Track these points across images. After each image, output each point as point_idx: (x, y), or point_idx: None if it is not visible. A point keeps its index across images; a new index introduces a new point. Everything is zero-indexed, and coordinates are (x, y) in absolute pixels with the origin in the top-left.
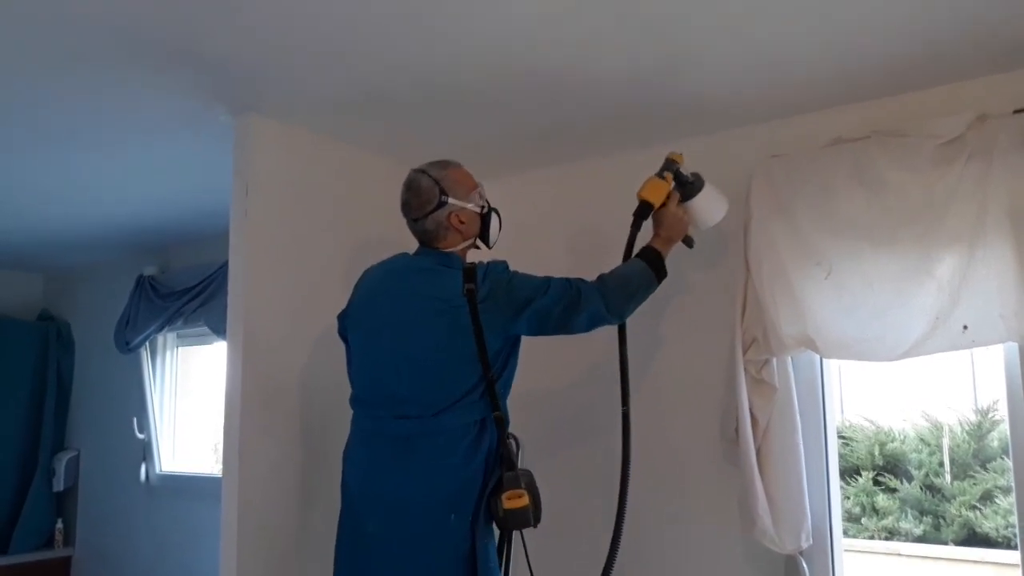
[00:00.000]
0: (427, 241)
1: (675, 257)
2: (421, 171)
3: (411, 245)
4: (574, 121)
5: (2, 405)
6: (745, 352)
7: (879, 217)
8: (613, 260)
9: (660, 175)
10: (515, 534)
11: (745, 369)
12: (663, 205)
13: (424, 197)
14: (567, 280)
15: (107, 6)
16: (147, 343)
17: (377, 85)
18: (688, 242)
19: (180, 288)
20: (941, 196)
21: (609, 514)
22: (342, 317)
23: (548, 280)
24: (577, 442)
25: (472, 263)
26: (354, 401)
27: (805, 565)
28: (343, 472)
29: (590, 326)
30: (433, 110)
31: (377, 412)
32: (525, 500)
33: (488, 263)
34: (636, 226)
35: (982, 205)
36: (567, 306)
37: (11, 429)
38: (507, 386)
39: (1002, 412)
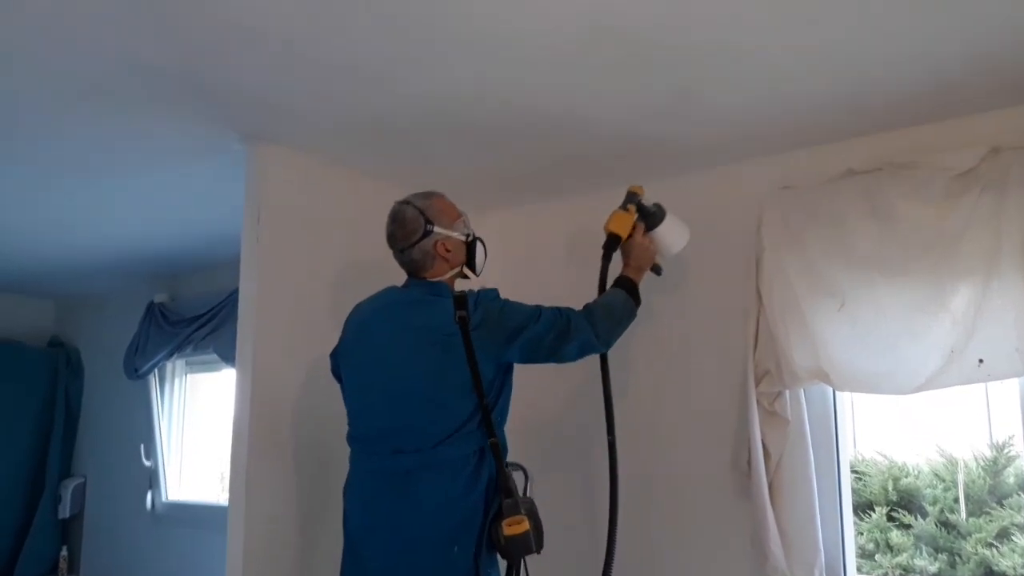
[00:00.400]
0: (415, 271)
1: (689, 287)
2: (405, 202)
3: None
4: (580, 154)
5: (10, 430)
6: (758, 384)
7: (892, 249)
8: None
9: (624, 207)
10: (521, 563)
11: (758, 401)
12: (630, 236)
13: (410, 227)
14: (557, 309)
15: (120, 38)
16: (156, 370)
17: (387, 115)
18: (656, 270)
19: (190, 315)
20: (954, 228)
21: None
22: (334, 355)
23: (539, 308)
24: (578, 468)
25: (462, 291)
26: (351, 438)
27: None
28: (344, 509)
29: (580, 354)
30: (441, 141)
31: (374, 448)
32: (525, 526)
33: (479, 291)
34: (607, 258)
35: (996, 237)
36: (558, 334)
37: (18, 454)
38: (503, 414)
39: (1018, 447)
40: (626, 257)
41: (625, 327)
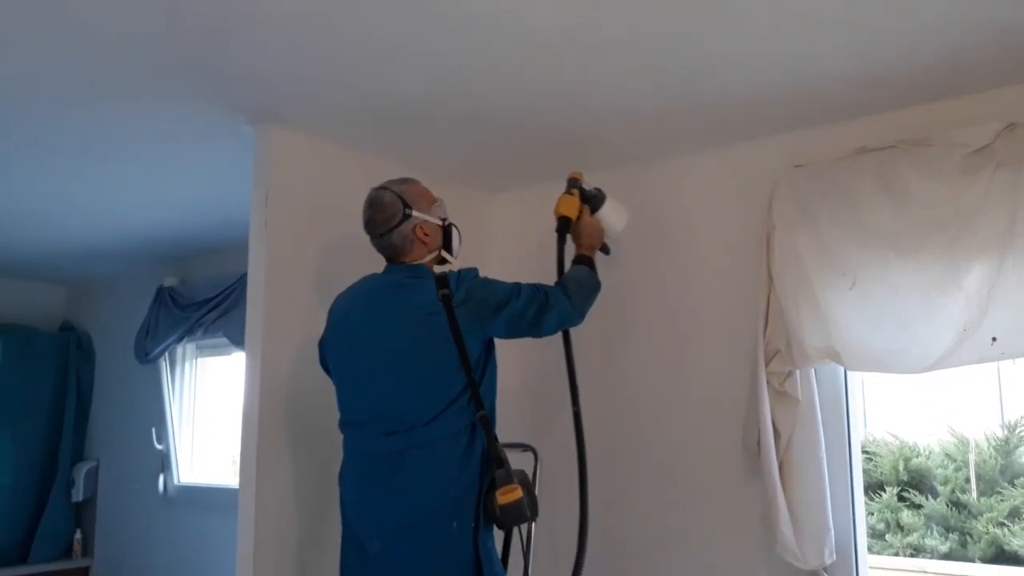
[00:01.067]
0: (394, 256)
1: (699, 265)
2: (382, 188)
3: None
4: (591, 134)
5: (23, 415)
6: (768, 364)
7: (905, 227)
8: (630, 273)
9: (568, 192)
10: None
11: (768, 381)
12: (578, 218)
13: (388, 211)
14: (534, 285)
15: (129, 21)
16: (166, 354)
17: (396, 98)
18: (605, 250)
19: (200, 299)
20: (969, 205)
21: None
22: (321, 346)
23: (519, 284)
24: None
25: (444, 271)
26: (343, 424)
27: None
28: (340, 495)
29: (558, 327)
30: (451, 122)
31: (367, 431)
32: (519, 493)
33: (460, 270)
34: (562, 240)
35: (1012, 214)
36: (539, 308)
37: (32, 438)
38: (492, 389)
39: None
40: (577, 238)
41: (594, 299)
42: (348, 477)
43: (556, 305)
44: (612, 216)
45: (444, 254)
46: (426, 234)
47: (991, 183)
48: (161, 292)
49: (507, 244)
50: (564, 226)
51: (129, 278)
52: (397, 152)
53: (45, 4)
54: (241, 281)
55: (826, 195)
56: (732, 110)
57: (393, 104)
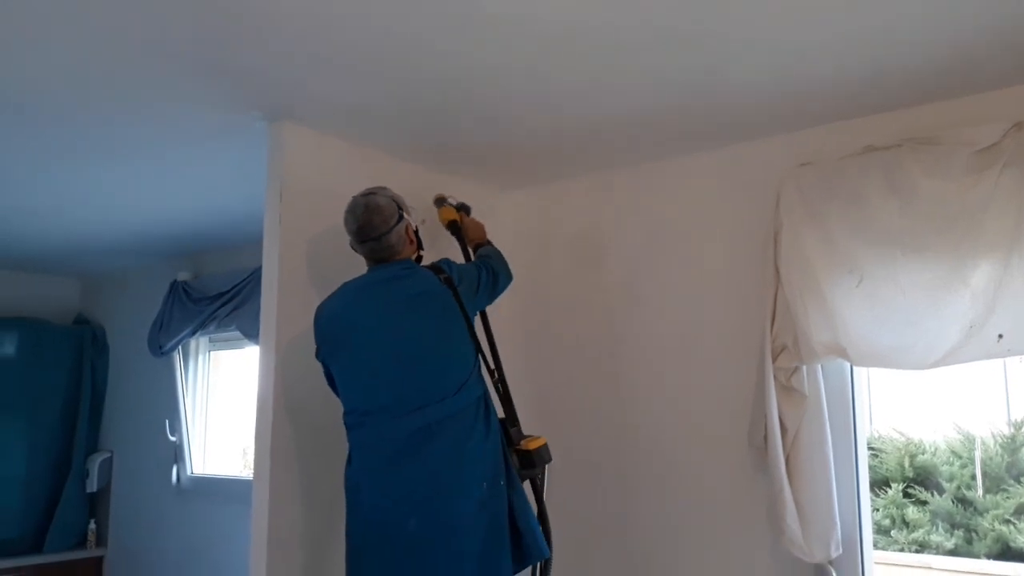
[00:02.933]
0: (389, 256)
1: (707, 262)
2: (371, 193)
3: (435, 254)
4: (599, 133)
5: (38, 407)
6: (775, 360)
7: (912, 224)
8: (637, 271)
9: (440, 207)
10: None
11: (775, 377)
12: (460, 220)
13: (386, 213)
14: (476, 263)
15: (142, 19)
16: (180, 347)
17: (408, 94)
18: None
19: (213, 293)
20: (976, 204)
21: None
22: (321, 357)
23: (474, 264)
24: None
25: (432, 262)
26: (361, 414)
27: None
28: (354, 487)
29: (505, 286)
30: (462, 119)
31: (393, 413)
32: (543, 439)
33: (440, 260)
34: (459, 238)
35: (1019, 213)
36: (494, 277)
37: (47, 431)
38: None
39: None
40: (467, 234)
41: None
42: (369, 464)
43: (500, 273)
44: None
45: (421, 252)
46: (413, 232)
47: (998, 182)
48: (175, 286)
49: (515, 241)
50: (454, 227)
51: (143, 272)
52: (409, 148)
53: (62, 6)
54: (254, 275)
55: (833, 194)
56: (739, 109)
57: (405, 101)
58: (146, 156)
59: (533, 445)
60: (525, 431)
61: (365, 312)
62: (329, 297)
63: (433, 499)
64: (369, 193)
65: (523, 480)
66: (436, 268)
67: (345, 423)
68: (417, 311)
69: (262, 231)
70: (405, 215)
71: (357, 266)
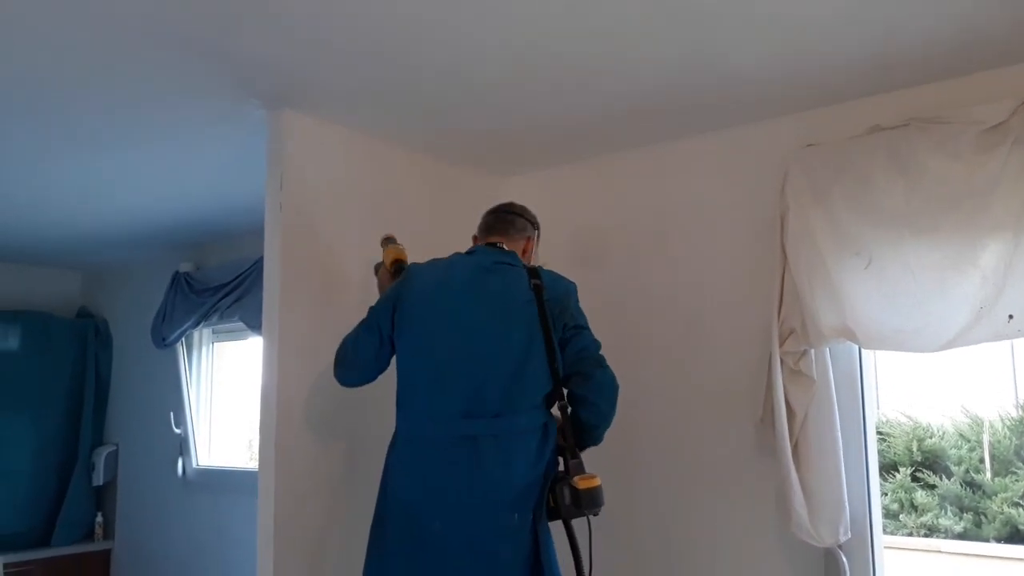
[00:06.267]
0: (503, 234)
1: (713, 246)
2: None
3: (436, 241)
4: (603, 116)
5: (43, 401)
6: (782, 343)
7: (920, 205)
8: (643, 256)
9: (388, 247)
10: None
11: (782, 361)
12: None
13: (528, 213)
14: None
15: (139, 5)
16: (183, 339)
17: (409, 80)
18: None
19: (215, 284)
20: (984, 183)
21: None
22: (396, 307)
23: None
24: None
25: (534, 265)
26: (413, 401)
27: (845, 559)
28: (396, 473)
29: (612, 396)
30: (465, 105)
31: (450, 411)
32: (597, 480)
33: (556, 274)
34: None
35: None
36: (599, 355)
37: (52, 424)
38: None
39: None
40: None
41: None
42: (416, 455)
43: (606, 365)
44: None
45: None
46: (528, 238)
47: (1007, 160)
48: (177, 278)
49: None
50: (402, 267)
51: (145, 264)
52: (410, 135)
53: None
54: (256, 266)
55: (839, 175)
56: (744, 90)
57: (405, 88)
58: (146, 146)
59: (584, 485)
60: None
61: (467, 298)
62: (442, 263)
63: (462, 512)
64: None
65: (571, 518)
66: (534, 272)
67: (399, 399)
68: (509, 315)
69: (263, 221)
70: (537, 232)
71: (359, 253)
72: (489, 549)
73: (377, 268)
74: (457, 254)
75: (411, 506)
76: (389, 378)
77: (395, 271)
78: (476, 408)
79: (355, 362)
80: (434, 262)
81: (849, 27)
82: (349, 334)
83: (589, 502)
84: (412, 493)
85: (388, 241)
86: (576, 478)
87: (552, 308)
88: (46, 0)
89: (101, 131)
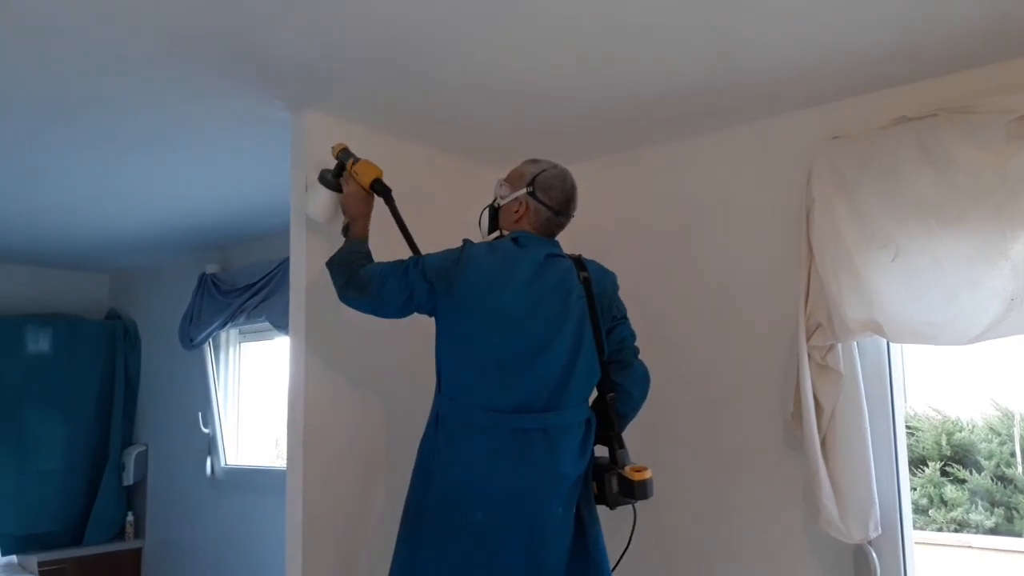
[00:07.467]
0: (554, 234)
1: (738, 240)
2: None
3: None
4: (627, 109)
5: (74, 402)
6: (809, 338)
7: (948, 196)
8: (668, 250)
9: (354, 160)
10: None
11: (809, 355)
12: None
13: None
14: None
15: (165, 8)
16: (210, 339)
17: (432, 81)
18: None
19: (242, 285)
20: (1014, 173)
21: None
22: (435, 291)
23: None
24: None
25: (577, 255)
26: (466, 393)
27: (875, 555)
28: (439, 460)
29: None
30: (488, 104)
31: (503, 406)
32: (649, 473)
33: (599, 264)
34: (392, 206)
35: None
36: (636, 346)
37: (83, 425)
38: None
39: None
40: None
41: None
42: (466, 448)
43: (641, 360)
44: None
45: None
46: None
47: None
48: (204, 279)
49: None
50: (380, 187)
51: (172, 266)
52: (433, 136)
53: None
54: (282, 266)
55: (866, 166)
56: (768, 83)
57: (428, 89)
58: (172, 149)
59: (639, 477)
60: None
61: (529, 296)
62: (491, 252)
63: (507, 504)
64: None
65: (616, 505)
66: (580, 263)
67: (446, 388)
68: (565, 306)
69: (289, 221)
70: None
71: (384, 251)
72: (532, 541)
73: (324, 177)
74: (505, 241)
75: (452, 492)
76: (417, 382)
77: (377, 190)
78: (528, 403)
79: (373, 301)
80: (490, 251)
81: (874, 17)
82: (379, 266)
83: (641, 493)
84: (455, 480)
85: (348, 153)
86: (628, 468)
87: (601, 301)
88: (73, 5)
89: (127, 134)
